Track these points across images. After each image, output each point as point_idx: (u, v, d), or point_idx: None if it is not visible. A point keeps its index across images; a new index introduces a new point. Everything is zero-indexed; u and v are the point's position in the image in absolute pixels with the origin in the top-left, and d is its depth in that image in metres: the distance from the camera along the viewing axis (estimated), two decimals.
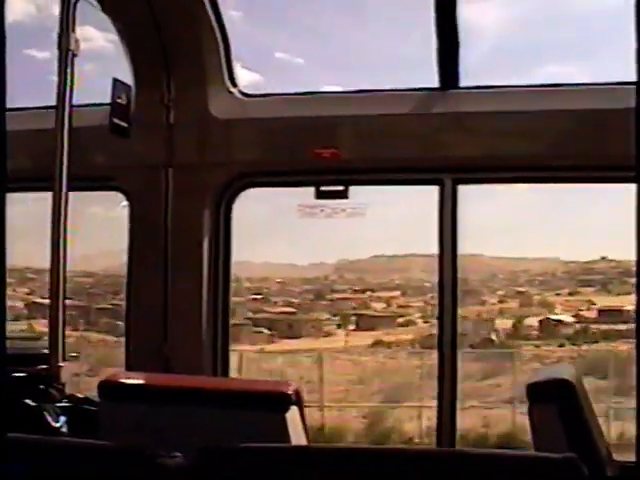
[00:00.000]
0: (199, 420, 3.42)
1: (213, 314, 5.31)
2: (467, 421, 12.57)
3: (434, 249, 5.17)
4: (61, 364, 4.17)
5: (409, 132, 5.09)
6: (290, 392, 3.47)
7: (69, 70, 4.31)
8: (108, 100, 4.92)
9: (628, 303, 12.36)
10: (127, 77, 5.20)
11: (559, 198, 12.68)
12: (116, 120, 4.87)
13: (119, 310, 12.06)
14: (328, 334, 15.50)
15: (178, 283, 5.30)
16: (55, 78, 4.32)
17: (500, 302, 15.14)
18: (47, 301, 4.32)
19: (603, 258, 14.83)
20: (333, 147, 5.10)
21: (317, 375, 14.33)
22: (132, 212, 5.41)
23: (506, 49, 11.86)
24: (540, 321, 14.93)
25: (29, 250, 7.80)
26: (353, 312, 15.61)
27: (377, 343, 15.17)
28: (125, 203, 5.44)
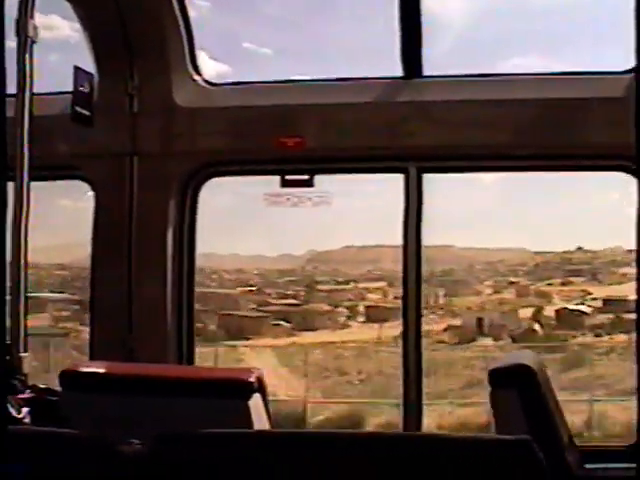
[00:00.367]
0: (162, 409, 3.42)
1: (178, 304, 5.29)
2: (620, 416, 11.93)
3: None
4: (23, 355, 4.14)
5: (374, 121, 5.10)
6: (252, 380, 3.48)
7: (28, 57, 4.26)
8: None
9: (628, 293, 12.16)
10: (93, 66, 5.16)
11: (527, 189, 12.78)
12: (78, 108, 4.83)
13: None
14: (345, 326, 15.29)
15: (143, 273, 5.27)
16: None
17: (495, 292, 15.07)
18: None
19: (579, 248, 14.88)
20: (298, 136, 5.10)
21: (374, 369, 13.92)
22: (97, 202, 5.37)
23: (472, 40, 11.93)
24: (557, 311, 14.78)
25: None
26: (364, 304, 15.38)
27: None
28: (90, 193, 5.40)
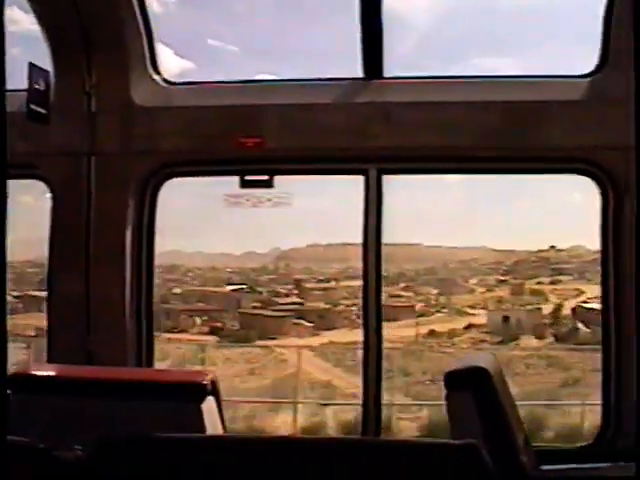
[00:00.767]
0: (113, 412, 3.36)
1: (137, 305, 5.23)
2: None
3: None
4: None
5: (334, 122, 5.08)
6: (206, 382, 3.44)
7: None
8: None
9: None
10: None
11: (491, 189, 12.83)
12: (34, 106, 4.75)
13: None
14: (359, 325, 14.91)
15: (101, 274, 5.20)
16: None
17: (488, 291, 14.97)
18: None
19: (552, 247, 14.87)
20: (258, 136, 5.07)
21: (429, 368, 13.24)
22: (55, 201, 5.29)
23: (437, 40, 11.93)
24: (573, 309, 14.37)
25: None
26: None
27: (431, 333, 14.29)
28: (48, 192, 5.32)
